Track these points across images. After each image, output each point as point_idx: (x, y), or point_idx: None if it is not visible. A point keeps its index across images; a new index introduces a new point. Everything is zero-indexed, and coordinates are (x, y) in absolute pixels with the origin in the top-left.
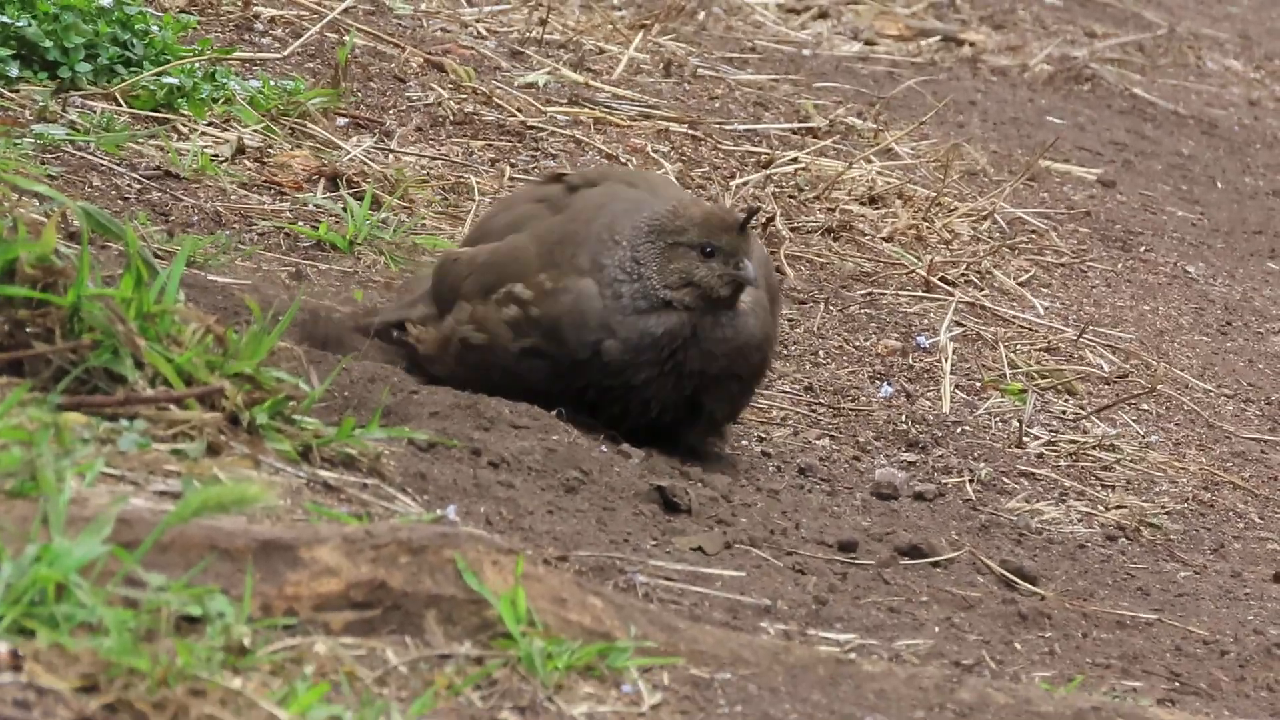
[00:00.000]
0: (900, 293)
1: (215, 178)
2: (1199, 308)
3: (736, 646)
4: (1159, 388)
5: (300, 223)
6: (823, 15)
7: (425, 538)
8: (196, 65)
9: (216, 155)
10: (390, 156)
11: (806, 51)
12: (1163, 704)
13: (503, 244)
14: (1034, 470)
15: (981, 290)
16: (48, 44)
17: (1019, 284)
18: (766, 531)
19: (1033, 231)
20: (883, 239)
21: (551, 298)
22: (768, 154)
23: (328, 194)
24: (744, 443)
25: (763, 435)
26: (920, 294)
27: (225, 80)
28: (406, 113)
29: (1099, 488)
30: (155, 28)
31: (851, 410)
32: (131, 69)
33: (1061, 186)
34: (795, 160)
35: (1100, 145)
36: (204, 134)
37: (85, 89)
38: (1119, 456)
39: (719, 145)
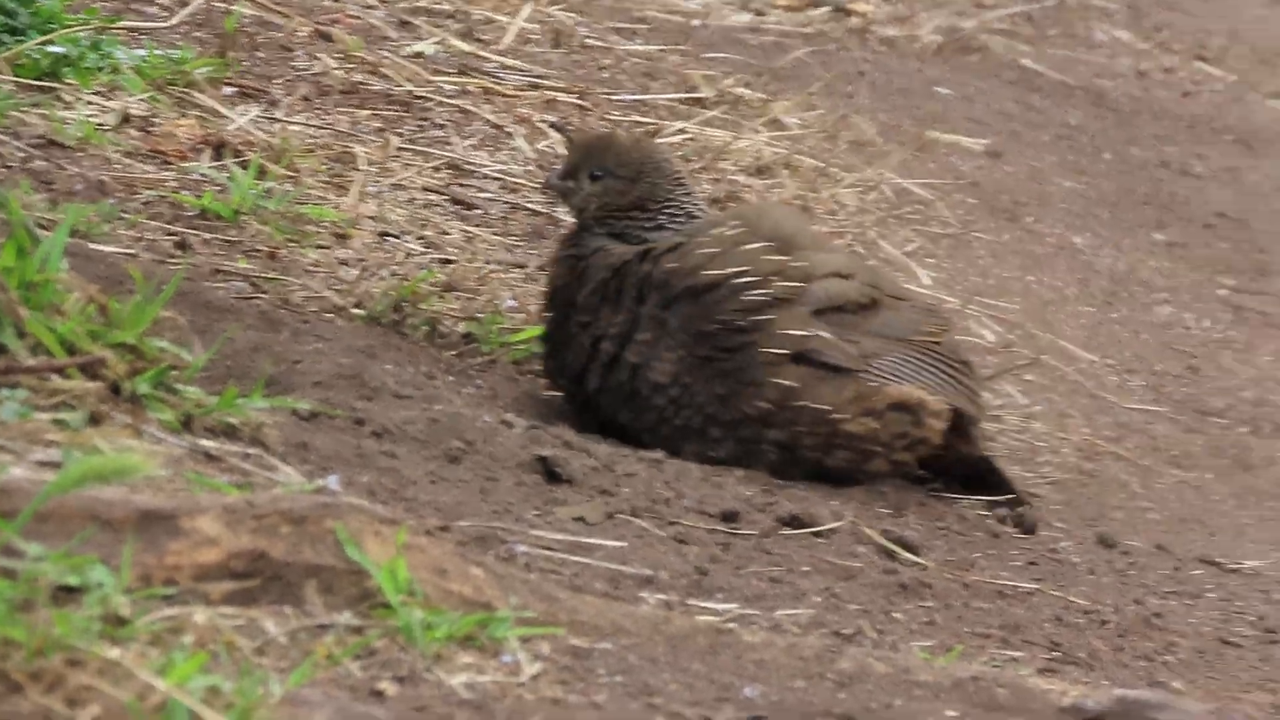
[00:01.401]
0: None
1: (100, 147)
2: (1084, 279)
3: (617, 617)
4: (1043, 358)
5: (185, 192)
6: None
7: (306, 508)
8: (82, 34)
9: (101, 124)
10: (276, 126)
11: (696, 22)
12: (1043, 673)
13: None
14: None
15: (868, 260)
16: None
17: (905, 254)
18: (649, 501)
19: (919, 202)
20: None
21: None
22: (655, 124)
23: (213, 163)
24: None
25: None
26: None
27: (111, 49)
28: (293, 82)
29: None
30: None
31: None
32: (17, 37)
33: (949, 157)
34: (683, 131)
35: (988, 116)
36: (89, 103)
37: None
38: (1003, 427)
39: (607, 115)
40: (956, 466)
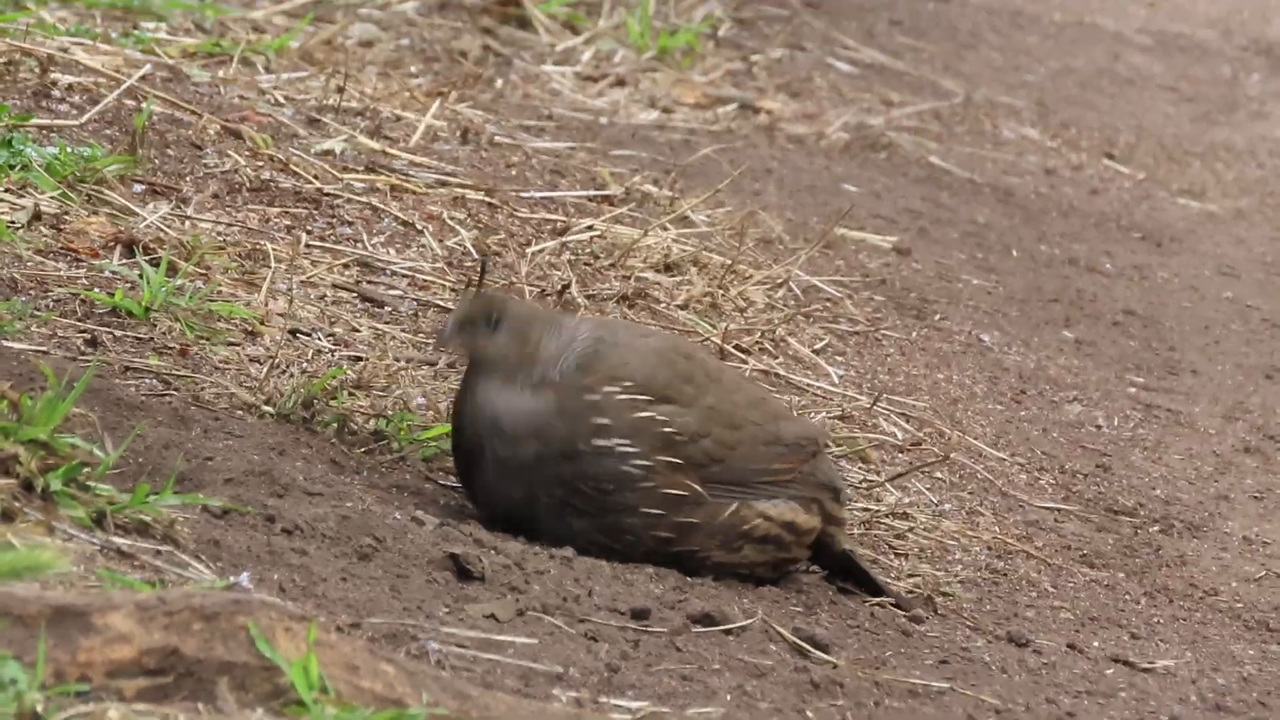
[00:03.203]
0: None
1: (11, 244)
2: (993, 376)
3: (528, 714)
4: (952, 456)
5: (96, 289)
6: (620, 83)
7: (218, 604)
8: None
9: (13, 222)
10: (187, 223)
11: (604, 119)
12: None
13: None
14: None
15: (776, 358)
16: None
17: (814, 352)
18: (559, 599)
19: (828, 299)
20: (678, 306)
21: None
22: (564, 221)
23: (124, 261)
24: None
25: None
26: None
27: (22, 147)
28: (203, 179)
29: (892, 556)
30: None
31: None
32: None
33: (857, 254)
34: (591, 228)
35: (896, 213)
36: (0, 200)
37: None
38: (912, 525)
39: (515, 213)
40: (820, 560)
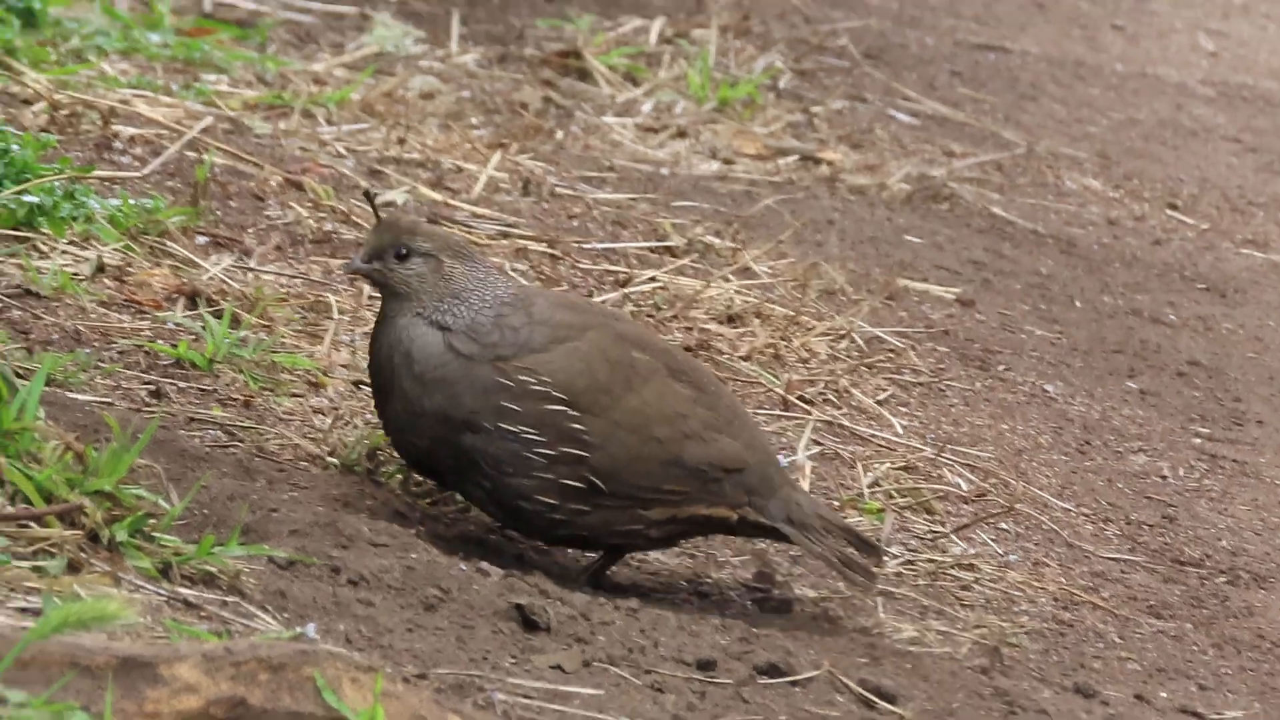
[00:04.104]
0: (758, 411)
1: (75, 296)
2: (1057, 427)
3: None
4: (1017, 507)
5: (160, 341)
6: (681, 134)
7: (284, 655)
8: (56, 184)
9: (76, 273)
10: (249, 275)
11: (665, 170)
12: None
13: None
14: (893, 589)
15: (840, 409)
16: None
17: (877, 403)
18: (625, 649)
19: (891, 350)
20: (741, 357)
21: None
22: (626, 273)
23: (187, 312)
24: (591, 555)
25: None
26: (778, 412)
27: (85, 199)
28: (266, 231)
29: (958, 607)
30: (15, 146)
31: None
32: None
33: (920, 305)
34: (653, 279)
35: (959, 264)
36: (64, 252)
37: None
38: (978, 576)
39: (577, 264)
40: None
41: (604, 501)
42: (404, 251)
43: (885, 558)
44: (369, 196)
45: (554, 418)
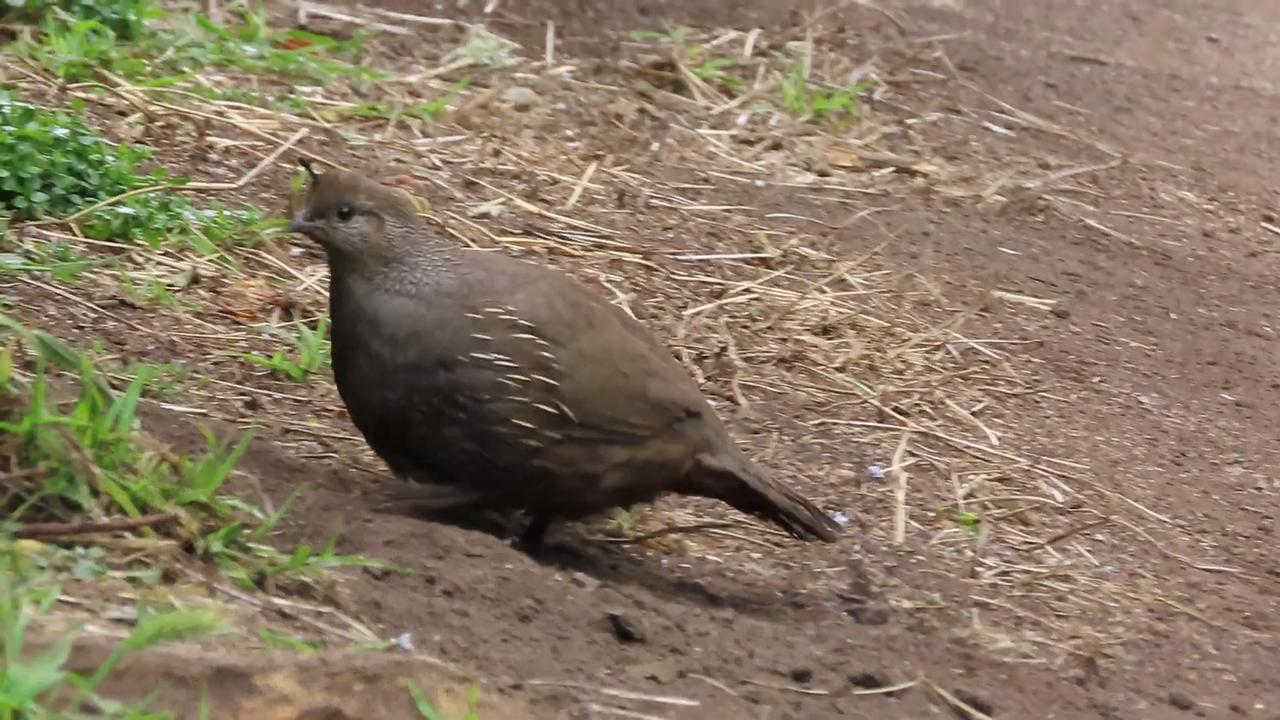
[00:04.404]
0: (853, 423)
1: (170, 307)
2: (1153, 439)
3: None
4: (1113, 518)
5: (254, 352)
6: (776, 146)
7: (380, 665)
8: (151, 195)
9: (171, 285)
10: None
11: (760, 182)
12: None
13: None
14: (988, 600)
15: (935, 420)
16: (3, 174)
17: (972, 414)
18: (720, 660)
19: (986, 362)
20: (836, 369)
21: None
22: (721, 284)
23: (282, 323)
24: (686, 565)
25: (714, 559)
26: (873, 424)
27: (180, 210)
28: None
29: (1053, 618)
30: (110, 158)
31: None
32: (87, 199)
33: (1014, 317)
34: (748, 290)
35: (1054, 276)
36: (159, 263)
37: (41, 219)
38: (1073, 587)
39: (672, 275)
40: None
41: (574, 433)
42: (346, 210)
43: (839, 531)
44: (305, 165)
45: (524, 345)
